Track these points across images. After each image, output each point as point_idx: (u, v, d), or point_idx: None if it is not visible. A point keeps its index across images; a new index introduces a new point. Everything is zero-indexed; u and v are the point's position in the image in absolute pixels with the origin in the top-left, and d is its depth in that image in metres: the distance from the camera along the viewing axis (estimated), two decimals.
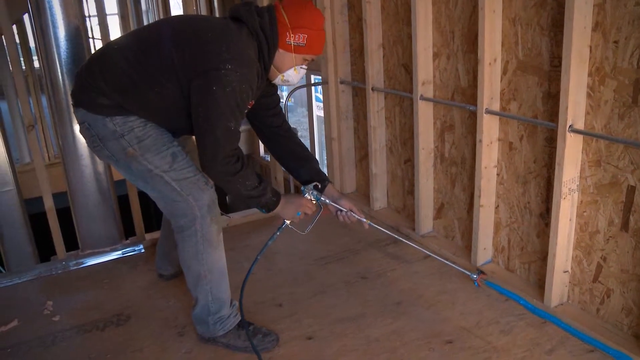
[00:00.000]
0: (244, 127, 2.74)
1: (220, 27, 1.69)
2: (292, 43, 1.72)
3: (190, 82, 1.63)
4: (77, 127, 2.38)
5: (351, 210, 1.99)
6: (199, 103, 1.63)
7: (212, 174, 1.70)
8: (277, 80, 1.85)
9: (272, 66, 1.79)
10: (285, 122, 2.08)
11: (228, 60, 1.60)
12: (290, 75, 1.82)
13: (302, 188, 2.00)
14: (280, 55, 1.76)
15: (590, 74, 1.74)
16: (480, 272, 2.16)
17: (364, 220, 2.01)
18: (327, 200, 1.99)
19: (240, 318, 1.93)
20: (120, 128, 1.70)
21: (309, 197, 1.96)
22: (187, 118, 1.70)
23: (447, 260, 2.21)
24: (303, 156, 2.06)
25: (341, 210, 2.00)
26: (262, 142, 2.11)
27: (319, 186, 2.00)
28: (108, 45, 1.82)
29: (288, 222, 1.93)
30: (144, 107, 1.72)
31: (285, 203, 1.87)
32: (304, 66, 1.82)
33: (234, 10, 1.75)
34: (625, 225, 1.75)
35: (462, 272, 2.17)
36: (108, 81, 1.70)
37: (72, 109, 1.83)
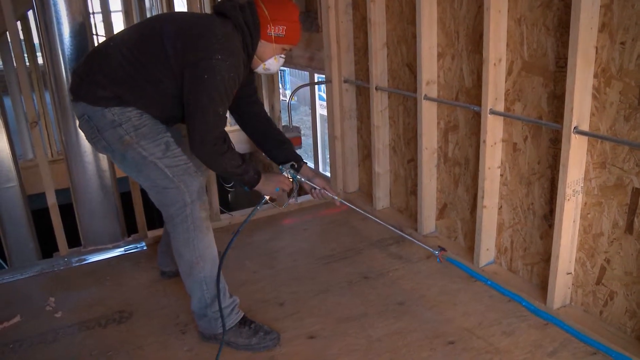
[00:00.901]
0: None
1: (208, 22, 1.82)
2: (273, 34, 1.86)
3: (183, 72, 1.75)
4: None
5: (324, 189, 2.12)
6: (191, 90, 1.75)
7: (201, 154, 1.80)
8: (260, 69, 1.97)
9: (255, 56, 1.92)
10: (262, 109, 2.23)
11: (218, 50, 1.72)
12: (271, 63, 1.95)
13: (280, 167, 2.14)
14: (262, 46, 1.89)
15: (596, 75, 1.73)
16: (442, 248, 2.27)
17: (336, 198, 2.16)
18: (303, 178, 2.13)
19: (242, 315, 1.94)
20: (118, 118, 1.80)
21: (286, 175, 2.10)
22: (181, 107, 1.81)
23: (407, 234, 2.25)
24: (280, 139, 2.19)
25: (315, 188, 2.13)
26: (242, 128, 2.23)
27: (295, 165, 2.13)
28: (104, 42, 1.94)
29: (267, 197, 2.04)
30: (141, 98, 1.81)
31: (265, 180, 1.98)
32: (282, 55, 1.96)
33: (219, 7, 1.88)
34: (629, 228, 1.74)
35: (432, 252, 2.28)
36: (106, 75, 1.80)
37: None
